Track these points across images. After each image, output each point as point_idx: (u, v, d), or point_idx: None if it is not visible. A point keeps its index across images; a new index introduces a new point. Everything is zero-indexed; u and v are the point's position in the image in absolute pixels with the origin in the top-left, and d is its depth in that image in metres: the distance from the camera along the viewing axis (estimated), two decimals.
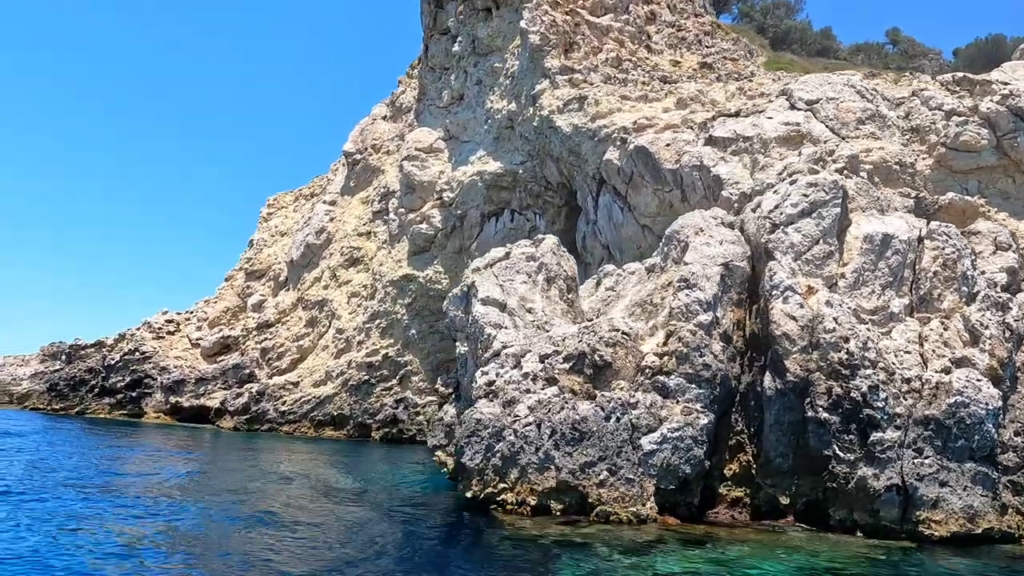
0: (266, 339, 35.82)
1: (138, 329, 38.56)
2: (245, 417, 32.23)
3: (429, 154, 34.37)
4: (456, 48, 33.95)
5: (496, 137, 31.13)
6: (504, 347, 10.61)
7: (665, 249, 12.12)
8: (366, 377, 32.45)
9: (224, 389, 34.83)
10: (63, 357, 40.23)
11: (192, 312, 40.31)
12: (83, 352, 40.20)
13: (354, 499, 11.77)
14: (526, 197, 30.01)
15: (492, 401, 9.81)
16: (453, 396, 12.83)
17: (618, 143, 21.82)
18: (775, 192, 11.75)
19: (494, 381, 10.20)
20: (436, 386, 32.65)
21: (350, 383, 32.48)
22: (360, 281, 35.09)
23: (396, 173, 36.30)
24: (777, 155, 15.10)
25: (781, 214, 11.27)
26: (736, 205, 15.12)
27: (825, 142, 14.91)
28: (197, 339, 38.25)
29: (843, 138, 15.34)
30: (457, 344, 12.81)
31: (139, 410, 35.64)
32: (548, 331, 11.08)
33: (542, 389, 9.80)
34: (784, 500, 10.11)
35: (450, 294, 13.75)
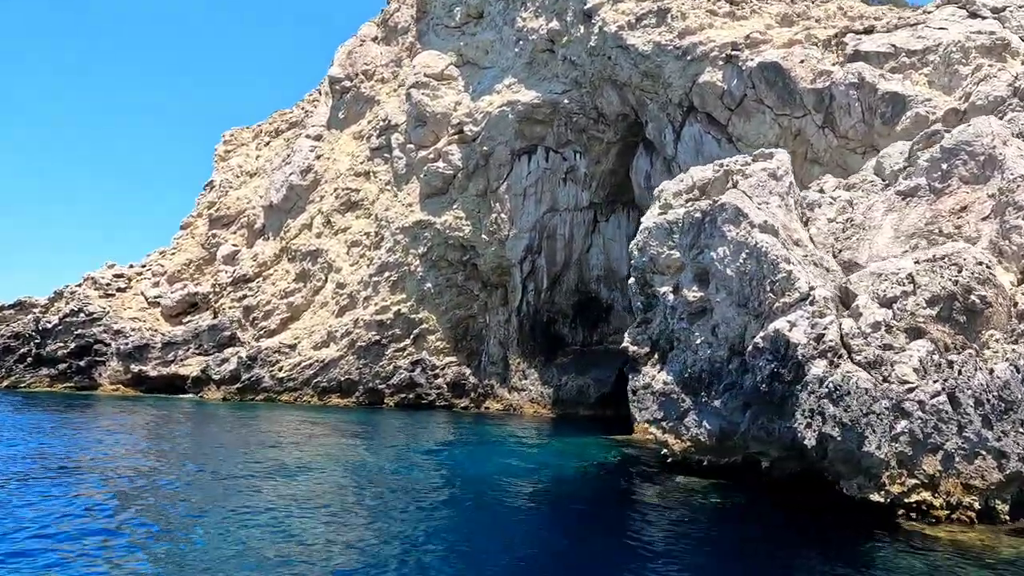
0: (246, 296, 30.71)
1: (79, 286, 31.98)
2: (236, 386, 27.53)
3: (440, 81, 29.87)
4: None
5: (529, 62, 27.21)
6: (812, 289, 7.83)
7: (944, 166, 9.65)
8: (376, 337, 28.52)
9: (200, 354, 29.66)
10: None
11: (145, 265, 34.02)
12: (1, 315, 33.01)
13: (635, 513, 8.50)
14: (566, 132, 26.60)
15: (837, 364, 7.11)
16: (655, 357, 9.98)
17: (721, 62, 18.91)
18: None
19: (823, 335, 7.44)
20: (455, 345, 29.35)
21: (357, 344, 28.45)
22: (361, 228, 30.57)
23: (398, 103, 31.51)
24: (988, 67, 12.94)
25: None
26: (938, 125, 12.81)
27: None
28: (155, 297, 32.34)
29: None
30: (663, 289, 9.84)
31: (91, 381, 29.75)
32: (826, 267, 8.42)
33: (908, 344, 7.25)
34: None
35: (647, 225, 10.63)
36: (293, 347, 28.56)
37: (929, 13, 15.89)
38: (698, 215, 9.62)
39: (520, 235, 27.38)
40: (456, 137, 28.70)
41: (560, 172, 27.24)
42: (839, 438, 7.20)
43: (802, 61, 16.69)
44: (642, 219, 11.06)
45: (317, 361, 28.27)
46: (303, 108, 36.97)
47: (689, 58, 19.80)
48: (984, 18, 14.46)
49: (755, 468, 8.84)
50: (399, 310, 28.80)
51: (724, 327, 9.02)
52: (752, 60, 17.69)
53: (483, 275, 28.77)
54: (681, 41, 20.13)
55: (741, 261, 8.77)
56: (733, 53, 18.48)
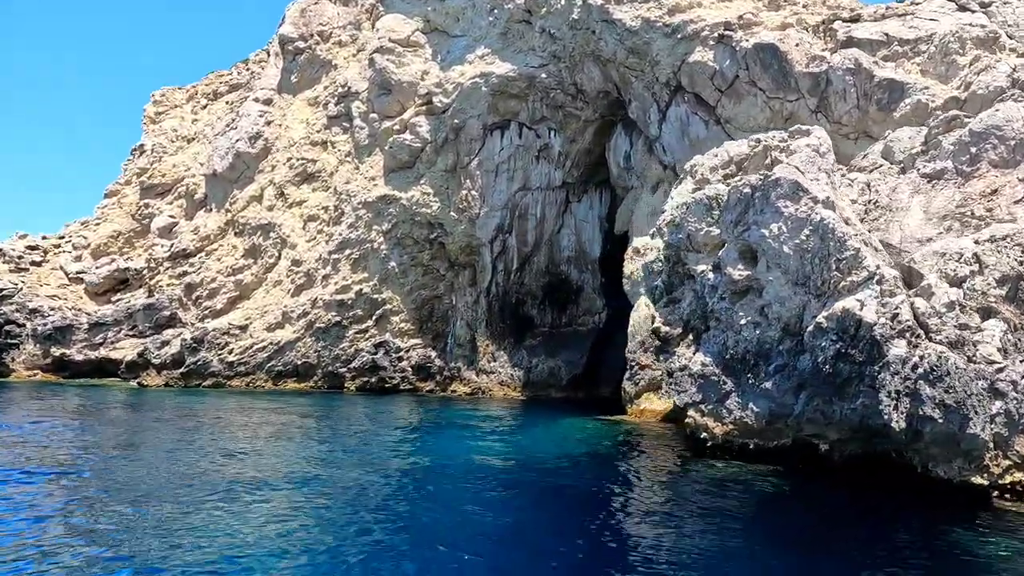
0: (187, 272, 28.14)
1: None
2: (180, 371, 25.19)
3: (407, 48, 28.24)
4: None
5: (504, 32, 26.15)
6: (878, 267, 7.67)
7: (973, 150, 9.82)
8: (336, 318, 26.97)
9: (134, 336, 26.96)
10: None
11: (64, 237, 30.44)
12: None
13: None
14: (541, 108, 25.84)
15: (916, 344, 6.98)
16: (689, 337, 9.63)
17: (712, 42, 18.77)
18: None
19: (897, 315, 7.30)
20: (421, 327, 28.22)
21: (316, 326, 26.79)
22: (318, 201, 28.64)
23: (359, 69, 29.57)
24: (986, 57, 13.41)
25: None
26: (939, 113, 13.18)
27: None
28: (77, 272, 29.04)
29: None
30: (700, 267, 9.47)
31: (1, 367, 26.35)
32: (875, 246, 8.34)
33: (982, 323, 7.21)
34: None
35: (684, 200, 10.19)
36: (244, 328, 26.48)
37: (918, 4, 16.36)
38: (747, 190, 9.29)
39: (491, 213, 26.53)
40: (424, 108, 27.30)
41: (533, 149, 26.52)
42: (940, 420, 7.13)
43: (797, 44, 16.78)
44: (672, 193, 10.67)
45: (271, 343, 26.37)
46: (249, 69, 34.08)
47: (679, 36, 19.53)
48: (973, 11, 15.04)
49: (802, 450, 8.76)
50: (361, 290, 27.32)
51: (777, 306, 8.80)
52: (747, 41, 17.62)
53: (451, 254, 27.74)
54: (671, 18, 19.81)
55: (803, 238, 8.53)
56: (726, 33, 18.36)
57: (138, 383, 25.11)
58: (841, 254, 8.24)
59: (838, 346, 7.97)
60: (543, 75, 24.82)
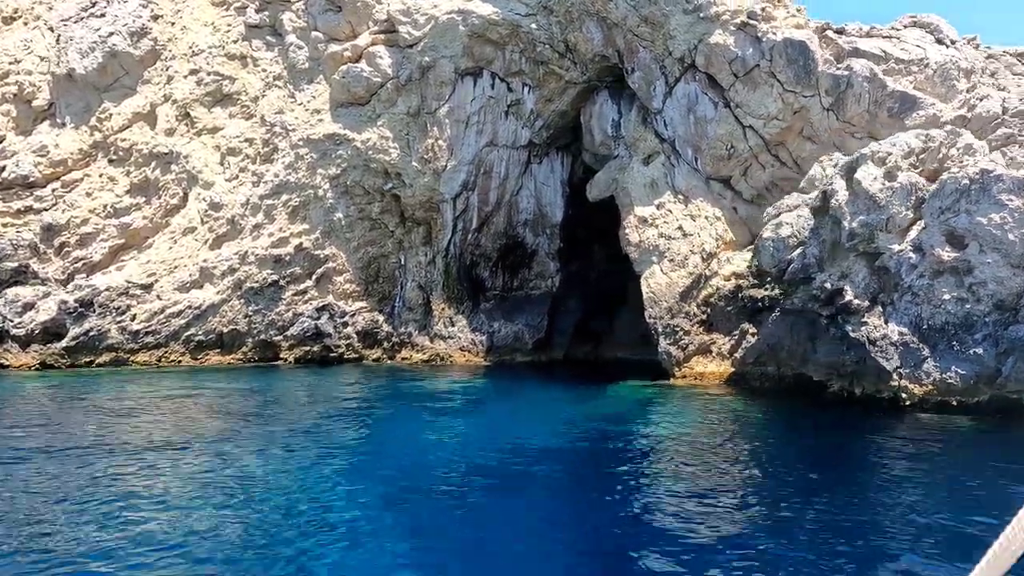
0: (35, 209, 20.51)
1: None
2: (60, 345, 18.39)
3: None
4: None
5: None
6: None
7: None
8: (272, 277, 22.59)
9: None
10: None
11: None
12: None
13: None
14: (519, 61, 24.41)
15: None
16: (877, 309, 10.61)
17: (733, 28, 19.99)
18: None
19: None
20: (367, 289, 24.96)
21: (247, 286, 22.07)
22: (239, 131, 23.13)
23: None
24: (981, 85, 16.83)
25: None
26: (948, 126, 16.32)
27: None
28: None
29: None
30: (894, 247, 10.41)
31: None
32: None
33: None
34: None
35: (887, 184, 10.87)
36: (148, 288, 20.47)
37: (898, 31, 19.63)
38: (965, 181, 10.59)
39: (459, 168, 24.55)
40: (383, 37, 23.71)
41: (503, 103, 25.05)
42: None
43: (819, 46, 18.85)
44: (859, 176, 11.48)
45: (189, 307, 20.93)
46: None
47: (701, 15, 20.24)
48: (947, 46, 18.72)
49: (1000, 404, 10.65)
50: (300, 244, 23.19)
51: (994, 285, 10.35)
52: (774, 34, 19.14)
53: (405, 208, 25.03)
54: None
55: None
56: (749, 22, 19.65)
57: None
58: None
59: None
60: (533, 26, 23.43)
